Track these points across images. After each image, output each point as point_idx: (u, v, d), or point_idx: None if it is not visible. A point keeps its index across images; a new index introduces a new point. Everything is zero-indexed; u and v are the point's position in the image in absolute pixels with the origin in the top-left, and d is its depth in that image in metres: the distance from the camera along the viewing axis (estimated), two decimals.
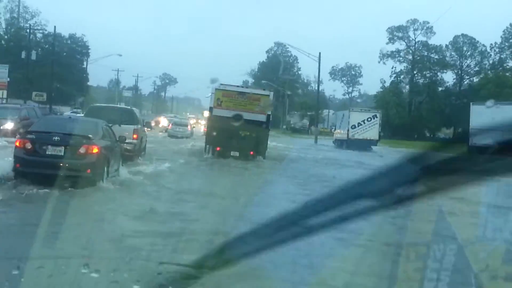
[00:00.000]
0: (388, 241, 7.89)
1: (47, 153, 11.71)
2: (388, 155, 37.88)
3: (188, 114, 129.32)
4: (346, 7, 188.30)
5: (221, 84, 24.84)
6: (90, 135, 12.17)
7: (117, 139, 14.90)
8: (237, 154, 22.94)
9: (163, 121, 53.69)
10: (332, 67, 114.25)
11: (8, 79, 48.87)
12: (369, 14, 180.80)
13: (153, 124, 52.01)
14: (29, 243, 5.38)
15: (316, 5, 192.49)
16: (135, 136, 19.18)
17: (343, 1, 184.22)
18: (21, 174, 11.66)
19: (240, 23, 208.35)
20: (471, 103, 36.33)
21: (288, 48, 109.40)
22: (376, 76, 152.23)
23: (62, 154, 11.72)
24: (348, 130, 43.20)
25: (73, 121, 13.83)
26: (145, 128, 23.18)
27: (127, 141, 17.92)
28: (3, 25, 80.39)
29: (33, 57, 52.02)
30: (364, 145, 41.35)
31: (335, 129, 52.42)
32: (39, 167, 11.48)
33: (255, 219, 8.88)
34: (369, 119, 43.25)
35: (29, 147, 11.74)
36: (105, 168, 12.51)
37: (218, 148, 23.61)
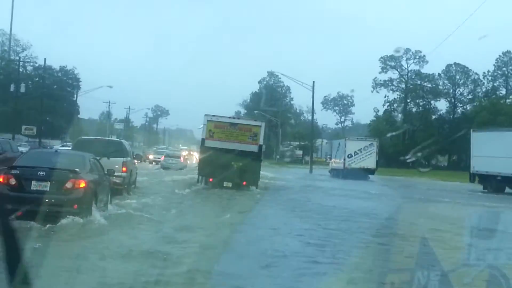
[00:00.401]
0: (372, 267, 7.91)
1: (32, 188, 11.38)
2: (391, 183, 37.86)
3: (180, 145, 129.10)
4: (339, 38, 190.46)
5: (213, 116, 25.10)
6: (77, 169, 11.85)
7: (106, 172, 14.59)
8: (229, 184, 23.16)
9: (151, 156, 54.61)
10: (324, 97, 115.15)
11: None
12: (361, 45, 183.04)
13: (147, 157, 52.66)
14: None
15: (309, 36, 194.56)
16: (124, 169, 18.85)
17: (336, 32, 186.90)
18: (6, 212, 11.28)
19: (232, 55, 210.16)
20: (471, 130, 35.36)
21: (280, 78, 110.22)
22: (368, 106, 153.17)
23: (48, 189, 11.39)
24: (344, 159, 42.67)
25: (59, 155, 13.51)
26: (135, 161, 22.88)
27: (116, 174, 17.74)
28: None
29: (22, 89, 51.83)
30: (361, 174, 40.73)
31: (330, 158, 52.02)
32: (24, 203, 11.14)
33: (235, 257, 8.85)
34: (365, 148, 42.88)
35: (13, 183, 11.40)
36: (93, 203, 12.15)
37: (210, 179, 23.83)
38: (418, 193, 28.30)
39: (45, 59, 58.61)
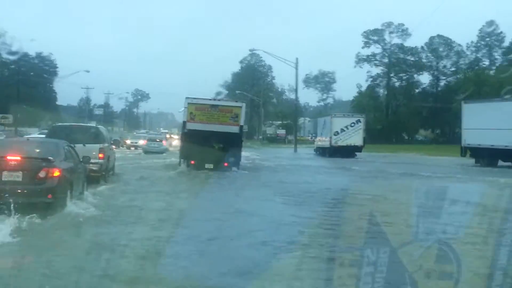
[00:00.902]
0: (322, 248, 7.95)
1: (3, 179, 11.06)
2: (378, 160, 37.76)
3: (161, 129, 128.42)
4: (319, 14, 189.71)
5: (194, 98, 25.37)
6: (50, 158, 11.53)
7: (81, 160, 14.28)
8: (211, 166, 23.48)
9: (128, 142, 53.01)
10: (306, 75, 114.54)
11: None
12: (342, 20, 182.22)
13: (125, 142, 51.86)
14: None
15: (288, 14, 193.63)
16: (101, 155, 18.42)
17: (316, 8, 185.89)
18: None
19: (213, 36, 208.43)
20: (462, 102, 34.02)
21: (262, 57, 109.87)
22: (350, 82, 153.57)
23: (20, 179, 11.08)
24: (330, 137, 41.84)
25: (32, 143, 13.15)
26: (113, 147, 22.50)
27: (92, 161, 17.04)
28: None
29: None
30: (348, 152, 40.38)
31: (315, 136, 51.25)
32: None
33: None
34: (352, 124, 42.04)
35: None
36: (68, 192, 11.88)
37: (192, 162, 24.14)
38: (409, 168, 27.68)
39: (21, 47, 57.34)
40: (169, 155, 36.46)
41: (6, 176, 11.11)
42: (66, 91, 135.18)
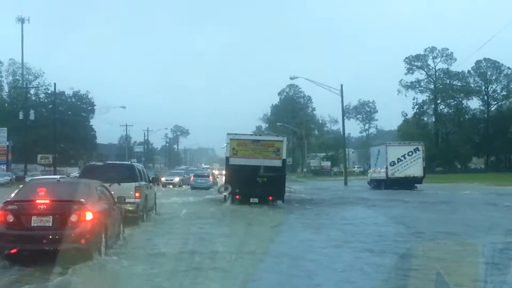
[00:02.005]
0: None
1: (32, 224, 10.38)
2: (443, 192, 34.73)
3: (202, 164, 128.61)
4: (356, 45, 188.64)
5: (235, 134, 26.50)
6: (82, 199, 10.81)
7: (115, 200, 13.56)
8: (256, 200, 24.28)
9: (162, 179, 52.05)
10: (346, 105, 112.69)
11: (7, 143, 48.14)
12: (379, 49, 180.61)
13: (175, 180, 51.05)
14: None
15: (326, 45, 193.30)
16: (137, 194, 17.76)
17: (353, 39, 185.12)
18: (2, 252, 10.37)
19: (251, 70, 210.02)
20: None
21: (300, 88, 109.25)
22: (392, 111, 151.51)
23: (50, 224, 10.38)
24: (386, 168, 38.85)
25: (62, 184, 12.47)
26: (151, 184, 21.74)
27: (128, 201, 16.93)
28: (6, 89, 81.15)
29: (32, 117, 51.32)
30: (406, 184, 37.50)
31: (369, 168, 48.20)
32: (24, 242, 10.20)
33: None
34: (410, 153, 39.05)
35: (11, 220, 10.41)
36: (103, 236, 11.09)
37: (237, 196, 24.94)
38: (498, 210, 22.76)
39: (55, 84, 58.33)
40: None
41: (35, 221, 10.42)
42: (105, 129, 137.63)
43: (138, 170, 19.22)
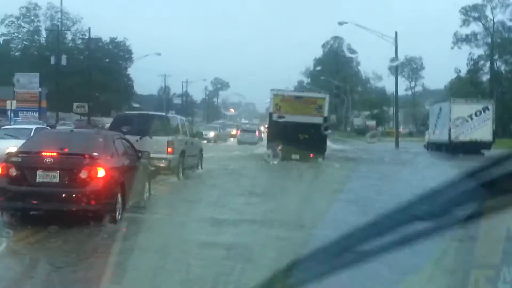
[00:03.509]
0: (454, 265, 7.10)
1: (37, 180, 9.26)
2: None
3: (242, 119, 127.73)
4: None
5: (278, 90, 27.72)
6: (95, 153, 9.59)
7: (139, 155, 12.28)
8: (297, 157, 24.79)
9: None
10: (390, 61, 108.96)
11: (40, 89, 47.60)
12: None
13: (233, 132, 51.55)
14: None
15: None
16: (169, 149, 16.62)
17: None
18: (4, 209, 9.35)
19: (294, 22, 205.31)
20: None
21: (345, 41, 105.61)
22: (439, 68, 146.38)
23: (57, 180, 9.25)
24: (449, 130, 34.53)
25: (75, 136, 11.31)
26: (195, 139, 20.58)
27: (159, 156, 15.81)
28: (44, 34, 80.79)
29: (64, 62, 50.44)
30: (472, 149, 32.76)
31: (427, 128, 43.31)
32: (27, 199, 9.14)
33: None
34: (478, 113, 34.60)
35: (14, 174, 9.33)
36: (118, 198, 9.89)
37: (279, 152, 25.21)
38: None
39: (89, 29, 57.40)
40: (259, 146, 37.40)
41: (40, 176, 9.31)
42: (145, 79, 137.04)
43: (174, 123, 18.08)
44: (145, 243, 7.80)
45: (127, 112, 22.71)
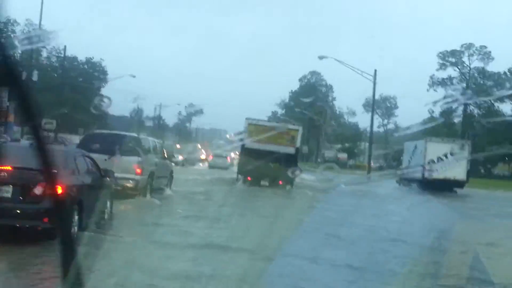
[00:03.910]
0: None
1: None
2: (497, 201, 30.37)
3: (198, 145, 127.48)
4: (386, 38, 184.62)
5: (253, 119, 28.71)
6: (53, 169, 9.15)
7: (102, 173, 11.94)
8: (266, 183, 26.39)
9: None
10: (366, 99, 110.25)
11: (8, 104, 46.69)
12: (412, 43, 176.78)
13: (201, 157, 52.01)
14: None
15: (351, 37, 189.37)
16: (138, 170, 16.44)
17: (384, 32, 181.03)
18: None
19: (272, 54, 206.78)
20: None
21: (322, 76, 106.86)
22: (412, 108, 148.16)
23: (10, 195, 8.79)
24: (423, 167, 34.30)
25: (33, 150, 10.86)
26: (166, 161, 20.55)
27: (128, 176, 15.82)
28: (20, 50, 79.80)
29: (35, 78, 49.71)
30: (445, 186, 33.13)
31: (400, 164, 43.52)
32: None
33: None
34: (453, 152, 34.65)
35: None
36: (75, 216, 9.47)
37: (249, 178, 26.82)
38: None
39: (65, 47, 56.85)
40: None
41: None
42: (117, 101, 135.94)
43: (145, 144, 17.96)
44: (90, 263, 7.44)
45: (97, 131, 22.32)
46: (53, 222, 8.67)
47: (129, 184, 16.03)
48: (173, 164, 23.78)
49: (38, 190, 8.79)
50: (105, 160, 15.02)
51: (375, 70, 48.43)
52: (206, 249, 9.43)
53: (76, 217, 9.57)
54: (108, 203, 12.27)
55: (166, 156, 20.81)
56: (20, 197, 8.79)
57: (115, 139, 17.72)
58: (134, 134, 20.12)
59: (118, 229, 11.19)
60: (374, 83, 47.70)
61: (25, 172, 9.06)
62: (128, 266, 7.86)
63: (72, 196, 9.45)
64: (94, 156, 13.04)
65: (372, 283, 7.97)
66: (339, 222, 14.54)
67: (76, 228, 9.48)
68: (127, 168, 15.95)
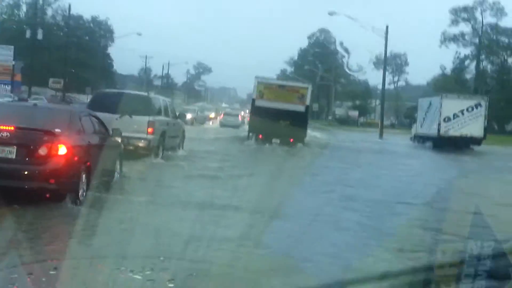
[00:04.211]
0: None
1: None
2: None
3: (223, 104, 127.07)
4: None
5: (263, 78, 29.03)
6: (57, 129, 8.88)
7: (111, 133, 11.70)
8: (278, 141, 26.65)
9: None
10: (376, 56, 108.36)
11: (13, 63, 46.19)
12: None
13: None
14: None
15: None
16: (150, 130, 16.32)
17: None
18: None
19: (281, 11, 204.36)
20: None
21: (332, 33, 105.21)
22: (422, 65, 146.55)
23: (14, 156, 8.54)
24: (439, 124, 33.79)
25: (39, 110, 10.55)
26: (178, 120, 20.54)
27: (139, 136, 15.86)
28: (24, 8, 78.88)
29: (39, 36, 49.01)
30: (461, 144, 32.92)
31: (414, 121, 42.58)
32: None
33: None
34: (470, 109, 34.03)
35: None
36: (82, 177, 9.24)
37: (260, 136, 27.22)
38: None
39: (69, 5, 56.13)
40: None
41: None
42: (125, 60, 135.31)
43: (156, 103, 17.65)
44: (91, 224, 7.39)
45: (107, 90, 22.08)
46: (59, 183, 8.54)
47: (141, 144, 16.00)
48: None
49: (43, 151, 8.54)
50: (116, 119, 15.10)
51: (387, 26, 47.29)
52: (214, 210, 9.23)
53: (84, 179, 9.34)
54: (118, 164, 12.06)
55: (177, 115, 20.75)
56: (26, 158, 8.53)
57: (125, 98, 17.44)
58: (145, 93, 19.86)
59: (126, 190, 10.96)
60: (386, 40, 46.76)
61: (30, 132, 8.82)
62: (131, 227, 7.67)
63: (79, 156, 9.18)
64: (105, 115, 13.00)
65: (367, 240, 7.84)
66: (351, 182, 14.27)
67: (84, 189, 9.31)
68: (139, 128, 15.92)
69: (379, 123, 50.64)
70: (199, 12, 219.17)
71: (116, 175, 11.85)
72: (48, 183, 8.46)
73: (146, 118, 16.30)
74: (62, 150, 8.63)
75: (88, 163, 9.57)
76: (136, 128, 15.76)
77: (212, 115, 63.65)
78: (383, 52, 49.88)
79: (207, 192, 11.37)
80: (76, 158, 9.02)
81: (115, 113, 15.45)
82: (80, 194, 9.11)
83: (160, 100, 18.93)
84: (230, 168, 15.96)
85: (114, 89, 23.69)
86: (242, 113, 63.12)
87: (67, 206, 8.66)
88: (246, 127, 32.83)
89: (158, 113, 17.48)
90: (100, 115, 11.95)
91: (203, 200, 10.22)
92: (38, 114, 10.02)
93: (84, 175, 9.33)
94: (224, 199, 10.31)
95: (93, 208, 8.47)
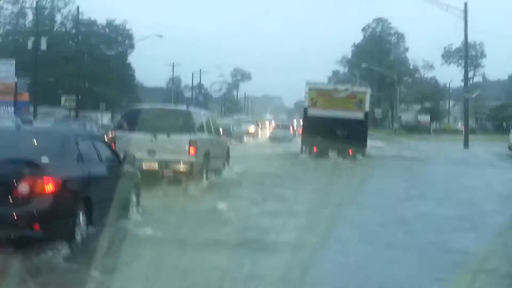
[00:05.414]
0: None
1: None
2: None
3: (267, 115, 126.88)
4: None
5: (315, 83, 30.27)
6: (44, 159, 8.00)
7: (121, 160, 10.92)
8: (334, 153, 26.98)
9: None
10: (444, 48, 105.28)
11: (16, 79, 46.03)
12: None
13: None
14: None
15: None
16: (192, 151, 16.20)
17: None
18: None
19: (329, 4, 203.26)
20: None
21: (391, 23, 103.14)
22: (503, 56, 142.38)
23: None
24: None
25: (22, 135, 9.81)
26: (223, 138, 21.01)
27: (179, 158, 15.95)
28: (30, 16, 79.87)
29: (43, 46, 48.79)
30: None
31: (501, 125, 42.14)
32: None
33: None
34: None
35: None
36: (77, 220, 8.44)
37: (315, 149, 27.97)
38: None
39: (78, 7, 56.47)
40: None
41: None
42: (149, 71, 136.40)
43: (197, 119, 17.58)
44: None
45: (139, 106, 21.82)
46: (46, 229, 7.64)
47: (182, 168, 15.89)
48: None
49: (23, 188, 7.67)
50: (151, 140, 15.64)
51: (465, 3, 45.05)
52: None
53: (81, 218, 8.59)
54: (133, 196, 11.36)
55: (221, 132, 21.09)
56: (1, 198, 7.69)
57: (161, 115, 17.58)
58: (184, 108, 19.47)
59: (143, 225, 10.11)
60: (466, 21, 44.47)
61: (7, 164, 8.02)
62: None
63: (73, 191, 8.40)
64: (138, 136, 13.31)
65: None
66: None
67: (84, 231, 8.68)
68: (179, 149, 15.94)
69: (463, 129, 48.18)
70: (233, 11, 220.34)
71: (131, 209, 11.14)
72: (31, 230, 7.72)
73: (186, 137, 16.22)
74: (49, 186, 7.77)
75: (88, 199, 8.79)
76: (175, 149, 15.84)
77: (252, 129, 60.83)
78: (453, 44, 47.44)
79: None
80: (68, 194, 8.32)
81: (150, 133, 15.75)
82: (76, 235, 8.40)
83: (201, 114, 18.94)
84: (301, 194, 15.31)
85: (147, 105, 23.44)
86: (294, 123, 64.08)
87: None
88: (298, 139, 33.85)
89: (200, 130, 17.44)
90: (132, 135, 11.42)
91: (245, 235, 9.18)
92: (22, 139, 9.33)
93: (81, 212, 8.64)
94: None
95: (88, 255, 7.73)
